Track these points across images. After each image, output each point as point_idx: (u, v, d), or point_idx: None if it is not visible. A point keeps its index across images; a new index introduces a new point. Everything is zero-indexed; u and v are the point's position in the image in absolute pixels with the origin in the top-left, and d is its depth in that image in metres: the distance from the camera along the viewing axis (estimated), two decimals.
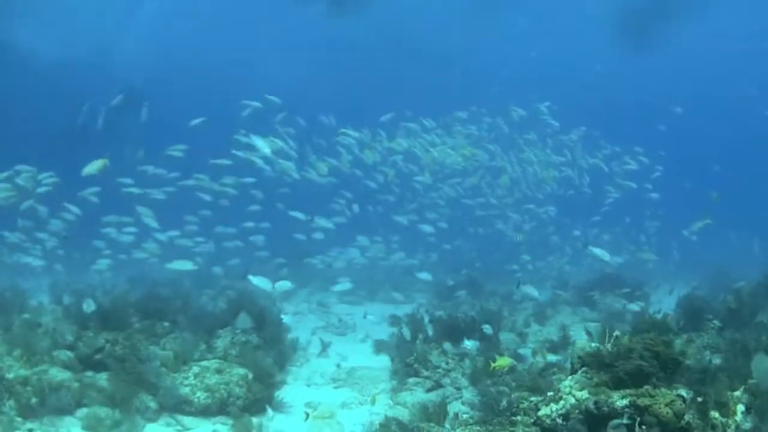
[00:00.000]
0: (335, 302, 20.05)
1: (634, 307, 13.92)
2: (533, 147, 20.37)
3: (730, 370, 7.55)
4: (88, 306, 10.63)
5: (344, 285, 14.29)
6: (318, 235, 16.62)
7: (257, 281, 10.28)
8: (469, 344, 9.84)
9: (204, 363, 9.98)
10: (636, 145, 21.56)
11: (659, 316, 10.57)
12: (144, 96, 26.28)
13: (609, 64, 39.56)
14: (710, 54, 39.04)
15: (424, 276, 14.30)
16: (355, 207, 17.51)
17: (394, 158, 20.33)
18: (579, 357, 6.84)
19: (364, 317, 15.36)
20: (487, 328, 10.51)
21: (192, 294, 17.42)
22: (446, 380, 9.94)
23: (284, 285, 11.03)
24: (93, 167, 11.56)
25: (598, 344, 7.02)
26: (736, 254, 23.56)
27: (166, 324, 11.98)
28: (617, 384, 6.20)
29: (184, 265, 11.84)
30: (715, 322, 10.22)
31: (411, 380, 10.00)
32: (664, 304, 18.89)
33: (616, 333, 7.08)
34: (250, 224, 18.92)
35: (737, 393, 7.17)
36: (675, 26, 33.66)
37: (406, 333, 10.65)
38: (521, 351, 12.50)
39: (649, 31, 33.55)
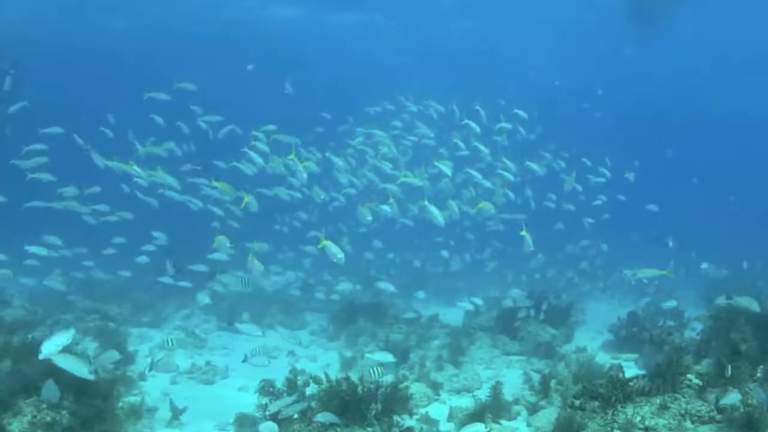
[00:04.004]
0: (212, 329, 16.76)
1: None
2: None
3: None
4: None
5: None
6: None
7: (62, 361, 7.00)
8: None
9: None
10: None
11: (613, 371, 8.01)
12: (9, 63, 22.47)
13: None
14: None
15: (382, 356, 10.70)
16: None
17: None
18: None
19: (243, 360, 11.36)
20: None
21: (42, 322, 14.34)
22: None
23: None
24: None
25: None
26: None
27: None
28: None
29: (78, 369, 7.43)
30: (690, 377, 7.70)
31: None
32: (593, 323, 16.95)
33: None
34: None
35: None
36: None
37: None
38: (433, 410, 9.74)
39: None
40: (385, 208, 12.97)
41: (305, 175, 12.97)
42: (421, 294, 16.52)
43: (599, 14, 30.45)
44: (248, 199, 11.19)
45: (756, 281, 18.93)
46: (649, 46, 33.92)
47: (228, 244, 10.57)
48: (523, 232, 11.01)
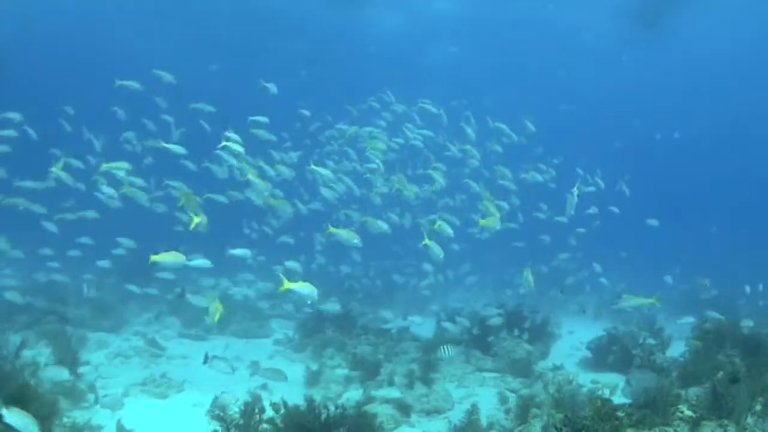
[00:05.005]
0: (173, 336, 15.91)
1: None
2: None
3: None
4: None
5: None
6: None
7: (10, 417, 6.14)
8: None
9: None
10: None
11: (603, 397, 7.35)
12: None
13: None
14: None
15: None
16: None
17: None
18: None
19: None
20: None
21: None
22: None
23: None
24: None
25: None
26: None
27: None
28: None
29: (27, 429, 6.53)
30: (682, 408, 7.06)
31: None
32: (570, 338, 16.35)
33: None
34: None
35: None
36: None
37: None
38: None
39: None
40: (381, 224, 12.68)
41: (267, 193, 12.38)
42: (417, 318, 15.96)
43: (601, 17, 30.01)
44: (198, 219, 10.40)
45: (737, 300, 18.54)
46: (651, 51, 33.58)
47: (179, 260, 9.65)
48: (527, 273, 10.74)
